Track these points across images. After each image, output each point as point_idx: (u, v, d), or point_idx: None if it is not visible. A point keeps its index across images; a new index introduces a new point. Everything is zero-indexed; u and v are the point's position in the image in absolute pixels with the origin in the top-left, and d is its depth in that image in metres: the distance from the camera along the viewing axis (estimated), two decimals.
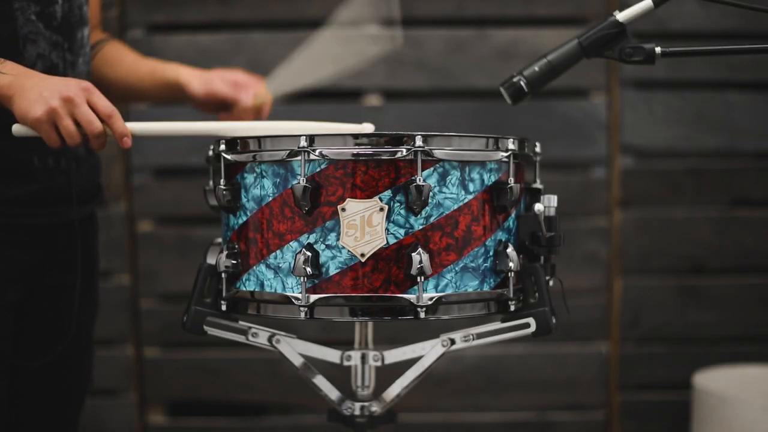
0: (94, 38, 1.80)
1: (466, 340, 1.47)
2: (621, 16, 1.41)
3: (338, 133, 1.36)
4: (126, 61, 1.85)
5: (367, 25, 1.90)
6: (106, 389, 2.84)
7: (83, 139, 1.40)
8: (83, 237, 1.67)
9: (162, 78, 1.82)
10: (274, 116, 1.83)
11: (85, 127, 1.38)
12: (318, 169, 1.34)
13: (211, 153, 1.49)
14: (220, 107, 1.82)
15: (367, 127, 1.51)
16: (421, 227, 1.35)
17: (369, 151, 1.33)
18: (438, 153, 1.34)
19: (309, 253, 1.33)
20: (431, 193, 1.34)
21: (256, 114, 1.81)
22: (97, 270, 1.81)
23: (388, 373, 1.62)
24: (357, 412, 1.54)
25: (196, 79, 1.80)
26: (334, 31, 1.83)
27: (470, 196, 1.38)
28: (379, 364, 1.61)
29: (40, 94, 1.36)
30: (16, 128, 1.40)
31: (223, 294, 1.45)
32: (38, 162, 1.57)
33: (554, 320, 1.43)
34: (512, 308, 1.44)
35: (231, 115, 1.81)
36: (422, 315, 1.35)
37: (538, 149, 1.54)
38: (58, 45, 1.56)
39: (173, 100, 1.86)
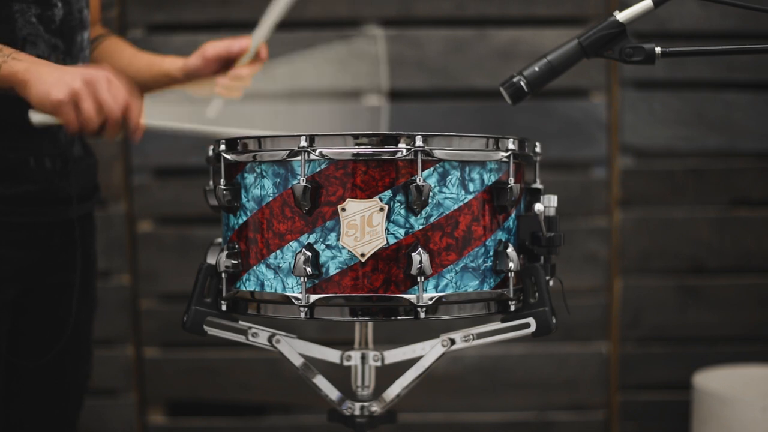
0: (94, 33, 1.81)
1: (466, 340, 1.47)
2: (621, 16, 1.41)
3: (338, 134, 1.36)
4: (125, 54, 1.86)
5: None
6: (106, 389, 2.84)
7: (99, 127, 1.39)
8: (80, 236, 1.67)
9: (159, 68, 1.82)
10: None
11: (106, 111, 1.36)
12: (318, 169, 1.34)
13: (211, 153, 1.49)
14: (221, 67, 1.80)
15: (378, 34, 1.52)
16: (421, 227, 1.35)
17: (369, 151, 1.33)
18: (438, 153, 1.34)
19: (309, 253, 1.33)
20: (431, 193, 1.34)
21: (256, 57, 1.82)
22: (95, 270, 1.81)
23: (388, 373, 1.62)
24: (357, 412, 1.53)
25: (190, 57, 1.80)
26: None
27: (470, 196, 1.38)
28: (379, 364, 1.61)
29: (61, 77, 1.34)
30: (33, 114, 1.37)
31: (223, 294, 1.45)
32: (34, 163, 1.56)
33: (554, 320, 1.43)
34: (512, 308, 1.44)
35: (232, 67, 1.80)
36: (422, 315, 1.35)
37: (538, 149, 1.54)
38: (57, 48, 1.56)
39: (169, 89, 1.86)
